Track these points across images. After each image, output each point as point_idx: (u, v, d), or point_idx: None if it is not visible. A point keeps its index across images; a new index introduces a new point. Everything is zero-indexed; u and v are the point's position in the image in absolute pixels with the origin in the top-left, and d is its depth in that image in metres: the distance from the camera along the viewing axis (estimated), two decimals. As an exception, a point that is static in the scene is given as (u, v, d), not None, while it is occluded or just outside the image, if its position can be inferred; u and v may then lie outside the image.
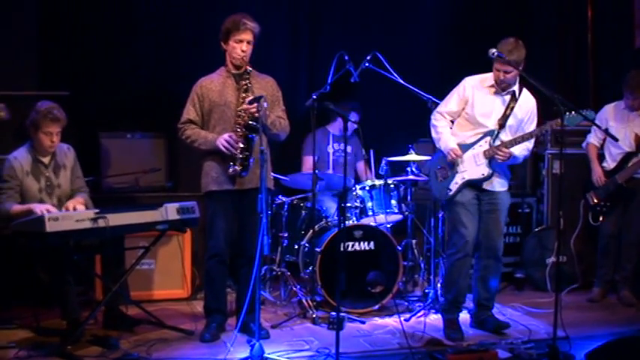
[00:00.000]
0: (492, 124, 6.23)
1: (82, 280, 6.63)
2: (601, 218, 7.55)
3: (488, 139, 6.21)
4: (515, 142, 6.16)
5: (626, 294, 7.50)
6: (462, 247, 6.18)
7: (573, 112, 5.87)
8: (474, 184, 6.26)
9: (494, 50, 5.96)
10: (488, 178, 6.23)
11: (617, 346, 5.52)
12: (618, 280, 7.59)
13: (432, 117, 6.45)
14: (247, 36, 5.99)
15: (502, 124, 6.22)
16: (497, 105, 6.24)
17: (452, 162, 6.24)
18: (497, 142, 6.20)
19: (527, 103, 6.30)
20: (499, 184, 6.33)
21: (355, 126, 5.96)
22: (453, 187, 6.26)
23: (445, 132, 6.34)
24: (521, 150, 6.24)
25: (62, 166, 6.24)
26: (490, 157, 6.18)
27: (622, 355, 5.42)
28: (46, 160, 6.16)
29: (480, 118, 6.24)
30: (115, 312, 6.32)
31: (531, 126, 6.32)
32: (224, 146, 5.85)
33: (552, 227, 8.05)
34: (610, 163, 7.49)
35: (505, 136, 6.23)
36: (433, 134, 6.43)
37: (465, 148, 6.24)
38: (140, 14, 8.07)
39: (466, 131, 6.32)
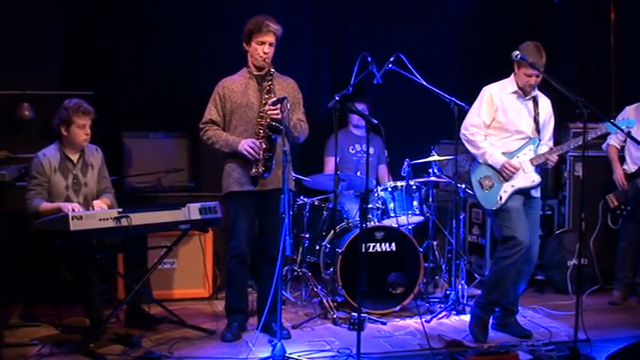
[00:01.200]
0: (529, 130, 6.22)
1: (105, 278, 6.66)
2: (620, 221, 7.54)
3: (531, 146, 6.21)
4: (560, 150, 6.23)
5: (647, 297, 7.49)
6: (517, 252, 6.07)
7: (612, 120, 5.94)
8: (521, 191, 6.24)
9: (517, 52, 5.95)
10: (538, 185, 6.24)
11: (638, 349, 5.50)
12: (638, 283, 7.57)
13: (465, 132, 6.35)
14: (270, 38, 6.01)
15: (538, 131, 6.24)
16: (524, 110, 6.23)
17: (509, 175, 6.19)
18: (541, 149, 6.23)
19: (546, 104, 6.33)
20: (536, 190, 6.34)
21: (375, 121, 5.90)
22: (504, 195, 6.19)
23: (486, 145, 6.26)
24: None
25: (90, 166, 6.30)
26: (537, 165, 6.19)
27: (643, 359, 5.41)
28: (74, 158, 6.22)
29: (515, 126, 6.21)
30: (137, 311, 6.36)
31: (550, 127, 6.37)
32: (247, 151, 5.88)
33: (573, 229, 8.03)
34: (631, 166, 7.47)
35: (542, 140, 6.27)
36: (472, 150, 6.33)
37: (508, 156, 6.21)
38: (163, 15, 8.10)
39: (504, 139, 6.28)
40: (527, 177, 6.19)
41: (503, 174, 6.18)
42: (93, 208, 6.00)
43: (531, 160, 6.18)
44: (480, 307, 6.33)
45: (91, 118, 6.17)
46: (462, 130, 6.38)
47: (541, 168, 6.29)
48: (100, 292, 6.25)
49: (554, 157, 6.20)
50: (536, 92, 6.25)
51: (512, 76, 6.25)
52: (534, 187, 6.24)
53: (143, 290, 6.22)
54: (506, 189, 6.20)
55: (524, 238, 6.08)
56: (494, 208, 6.25)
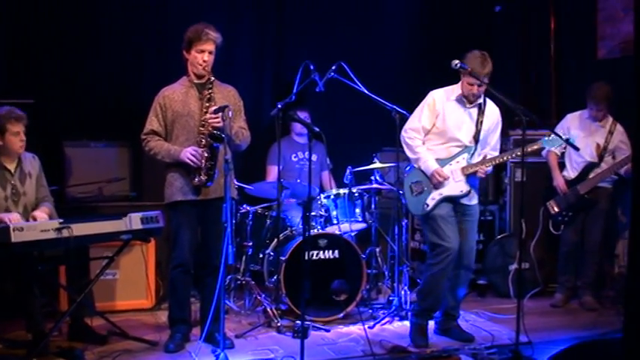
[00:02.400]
0: (466, 138, 6.25)
1: (47, 291, 6.58)
2: (562, 227, 7.64)
3: (465, 155, 6.24)
4: (494, 161, 6.26)
5: (588, 299, 7.59)
6: (445, 258, 6.14)
7: (553, 135, 6.04)
8: (450, 199, 6.28)
9: (457, 61, 6.00)
10: (466, 194, 6.27)
11: (579, 350, 5.57)
12: (580, 286, 7.69)
13: (404, 134, 6.40)
14: (209, 46, 6.00)
15: (477, 140, 6.27)
16: (466, 118, 6.27)
17: (438, 183, 6.23)
18: (476, 158, 6.26)
19: (492, 113, 6.36)
20: (472, 198, 6.37)
21: (317, 129, 5.91)
22: (430, 202, 6.25)
23: (422, 151, 6.30)
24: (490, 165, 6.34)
25: (28, 175, 6.21)
26: (468, 174, 6.23)
27: (584, 359, 5.49)
28: (12, 167, 6.13)
29: (453, 132, 6.25)
30: (80, 323, 6.29)
31: (495, 134, 6.40)
32: (189, 159, 5.86)
33: (514, 234, 8.13)
34: (571, 173, 7.59)
35: (479, 149, 6.30)
36: (409, 153, 6.38)
37: (442, 163, 6.25)
38: (104, 23, 8.04)
39: (440, 145, 6.31)
40: (456, 186, 6.24)
41: (433, 181, 6.23)
42: (34, 219, 5.92)
43: (462, 169, 6.23)
44: (416, 314, 6.40)
45: (24, 124, 6.07)
46: (402, 133, 6.44)
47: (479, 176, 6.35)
48: (42, 305, 6.17)
49: (485, 168, 6.23)
50: (481, 100, 6.28)
51: (459, 83, 6.30)
52: (462, 197, 6.28)
53: (85, 302, 6.16)
54: (434, 196, 6.26)
55: (450, 245, 6.14)
56: (420, 214, 6.32)
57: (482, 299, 7.93)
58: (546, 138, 6.22)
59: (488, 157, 6.28)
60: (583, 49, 8.96)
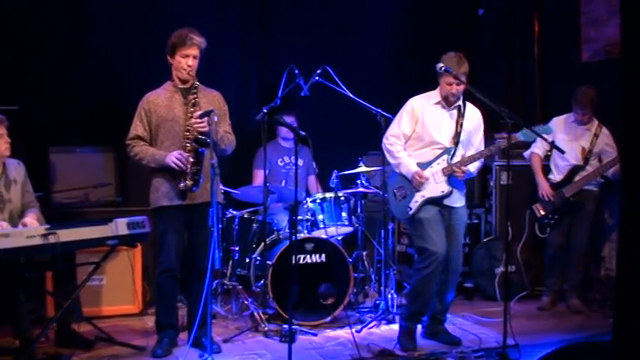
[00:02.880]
0: (446, 141, 6.27)
1: (34, 297, 6.56)
2: (548, 230, 7.67)
3: (445, 157, 6.25)
4: (473, 159, 6.24)
5: (575, 302, 7.60)
6: (433, 262, 6.15)
7: (530, 128, 6.02)
8: (434, 201, 6.29)
9: (442, 65, 6.03)
10: (448, 195, 6.26)
11: (566, 352, 5.55)
12: (567, 288, 7.70)
13: (385, 141, 6.44)
14: (193, 51, 6.00)
15: (456, 141, 6.28)
16: (446, 121, 6.29)
17: (418, 185, 6.25)
18: (455, 159, 6.26)
19: (473, 116, 6.39)
20: (458, 200, 6.38)
21: (303, 133, 5.90)
22: (413, 205, 6.27)
23: (403, 156, 6.33)
24: (475, 165, 6.34)
25: (13, 181, 6.18)
26: (449, 175, 6.23)
27: (571, 362, 5.50)
28: None
29: (432, 136, 6.27)
30: (67, 329, 6.27)
31: (478, 136, 6.42)
32: (175, 164, 5.85)
33: (500, 237, 8.14)
34: (556, 176, 7.60)
35: (459, 151, 6.30)
36: (390, 159, 6.42)
37: (422, 166, 6.26)
38: (90, 29, 8.03)
39: (420, 149, 6.33)
40: (437, 187, 6.25)
41: (414, 183, 6.25)
42: (24, 226, 5.90)
43: (443, 170, 6.24)
44: (405, 318, 6.40)
45: (5, 127, 6.04)
46: (383, 140, 6.47)
47: (467, 178, 6.36)
48: (29, 311, 6.15)
49: (464, 169, 6.21)
50: (460, 102, 6.31)
51: (437, 88, 6.33)
52: (444, 197, 6.28)
53: (72, 308, 6.14)
54: (417, 199, 6.27)
55: (437, 249, 6.15)
56: (405, 218, 6.35)
57: (469, 302, 7.95)
58: (524, 131, 6.21)
59: (464, 157, 6.30)
60: (567, 52, 8.99)
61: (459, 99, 6.28)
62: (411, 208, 6.27)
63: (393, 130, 6.43)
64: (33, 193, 6.38)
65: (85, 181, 7.43)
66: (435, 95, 6.33)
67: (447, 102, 6.27)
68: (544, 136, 6.35)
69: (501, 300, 7.56)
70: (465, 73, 6.15)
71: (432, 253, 6.15)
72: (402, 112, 6.40)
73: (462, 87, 6.17)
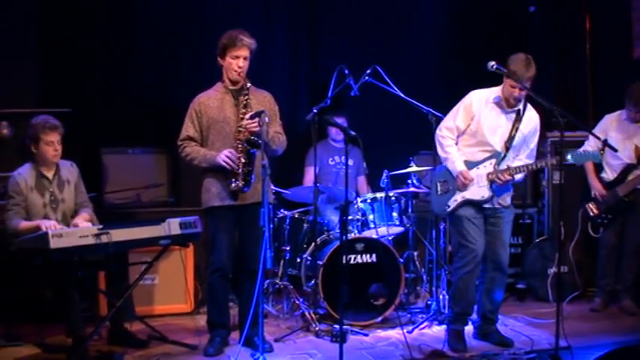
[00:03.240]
0: (498, 144, 6.20)
1: (87, 296, 6.64)
2: (601, 229, 7.58)
3: (493, 161, 6.20)
4: (519, 170, 6.18)
5: (628, 303, 7.51)
6: (471, 260, 6.14)
7: (580, 150, 5.97)
8: (474, 204, 6.25)
9: (493, 63, 5.95)
10: (487, 201, 6.22)
11: (619, 355, 5.51)
12: (620, 289, 7.60)
13: (439, 132, 6.39)
14: (244, 52, 6.02)
15: (508, 146, 6.21)
16: (502, 122, 6.21)
17: (462, 185, 6.21)
18: (503, 165, 6.20)
19: (531, 120, 6.28)
20: (503, 199, 6.32)
21: (353, 133, 5.91)
22: (452, 203, 6.25)
23: (453, 152, 6.29)
24: (519, 174, 6.27)
25: (66, 182, 6.29)
26: (492, 181, 6.19)
27: (625, 364, 5.44)
28: (50, 175, 6.21)
29: (485, 136, 6.21)
30: (120, 328, 6.34)
31: (534, 139, 6.33)
32: (225, 162, 5.87)
33: (553, 238, 8.06)
34: (609, 174, 7.51)
35: (510, 155, 6.24)
36: (440, 152, 6.38)
37: (470, 166, 6.23)
38: (140, 30, 8.11)
39: (471, 147, 6.29)
40: (479, 191, 6.20)
41: (457, 182, 6.22)
42: (75, 226, 5.97)
43: (487, 175, 6.19)
44: (451, 320, 6.38)
45: (59, 133, 6.14)
46: (437, 131, 6.43)
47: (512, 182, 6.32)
48: (82, 310, 6.21)
49: (507, 178, 6.13)
50: (521, 106, 6.21)
51: (502, 85, 6.24)
52: (483, 202, 6.23)
53: (125, 307, 6.20)
54: (457, 198, 6.26)
55: (475, 247, 6.13)
56: (441, 214, 6.38)
57: (521, 303, 7.88)
58: (573, 153, 6.15)
59: (514, 165, 6.22)
60: (618, 48, 8.89)
61: (519, 102, 6.18)
62: (449, 206, 6.26)
63: (447, 122, 6.38)
64: (86, 193, 6.47)
65: (137, 181, 7.50)
66: (495, 93, 6.24)
67: (508, 103, 6.18)
68: (595, 154, 6.27)
69: (554, 301, 7.50)
70: (532, 77, 6.04)
71: (471, 251, 6.13)
72: (459, 105, 6.34)
73: (524, 92, 6.08)
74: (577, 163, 6.39)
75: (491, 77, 6.18)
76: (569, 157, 6.13)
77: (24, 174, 6.15)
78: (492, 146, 6.21)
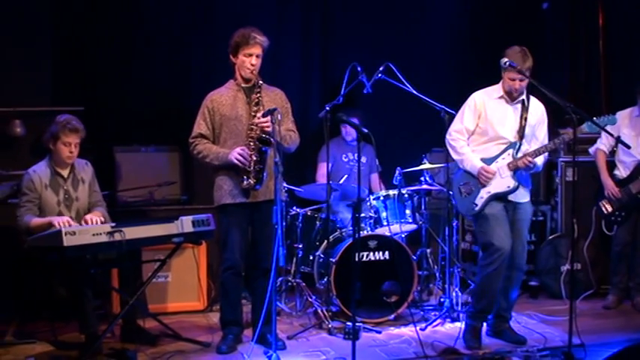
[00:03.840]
0: (510, 135, 6.22)
1: (100, 293, 6.67)
2: (615, 227, 7.55)
3: (510, 151, 6.20)
4: (538, 152, 6.17)
5: (642, 300, 7.50)
6: (498, 258, 6.11)
7: (595, 118, 5.95)
8: (500, 197, 6.25)
9: (506, 60, 5.97)
10: (514, 190, 6.21)
11: (632, 352, 5.49)
12: (633, 287, 7.58)
13: (448, 137, 6.41)
14: (256, 50, 6.02)
15: (521, 135, 6.22)
16: (509, 115, 6.24)
17: (485, 180, 6.21)
18: (520, 154, 6.20)
19: (537, 109, 6.32)
20: (522, 195, 6.32)
21: (365, 131, 5.90)
22: (479, 201, 6.24)
23: (467, 151, 6.30)
24: (540, 159, 6.26)
25: (80, 180, 6.31)
26: (514, 169, 6.18)
27: (638, 362, 5.42)
28: (64, 173, 6.23)
29: (496, 130, 6.22)
30: (133, 325, 6.35)
31: (542, 128, 6.36)
32: (237, 160, 5.88)
33: (566, 235, 8.03)
34: (622, 172, 7.47)
35: (524, 146, 6.24)
36: (454, 155, 6.39)
37: (487, 162, 6.23)
38: (152, 29, 8.12)
39: (484, 144, 6.30)
40: (504, 182, 6.20)
41: (480, 179, 6.20)
42: (86, 223, 5.99)
43: (508, 165, 6.19)
44: (471, 316, 6.37)
45: (79, 137, 6.17)
46: (447, 136, 6.45)
47: (531, 173, 6.30)
48: (95, 308, 6.24)
49: (530, 160, 6.12)
50: (524, 96, 6.25)
51: (500, 82, 6.28)
52: (510, 192, 6.22)
53: (138, 304, 6.22)
54: (483, 195, 6.24)
55: (502, 245, 6.10)
56: (471, 214, 6.33)
57: (534, 301, 7.86)
58: (589, 123, 6.12)
59: (532, 149, 6.22)
60: (633, 44, 8.86)
61: (522, 94, 6.23)
62: (477, 205, 6.24)
63: (455, 125, 6.40)
64: (100, 192, 6.49)
65: (150, 179, 7.50)
66: (497, 89, 6.28)
67: (510, 97, 6.22)
68: (609, 129, 6.23)
69: (567, 298, 7.46)
70: (530, 68, 6.08)
71: (498, 249, 6.10)
72: (464, 108, 6.37)
73: (525, 82, 6.10)
74: (592, 131, 6.33)
75: (500, 75, 6.19)
76: (586, 127, 6.10)
77: (39, 171, 6.17)
78: (505, 138, 6.22)
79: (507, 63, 5.97)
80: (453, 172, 6.62)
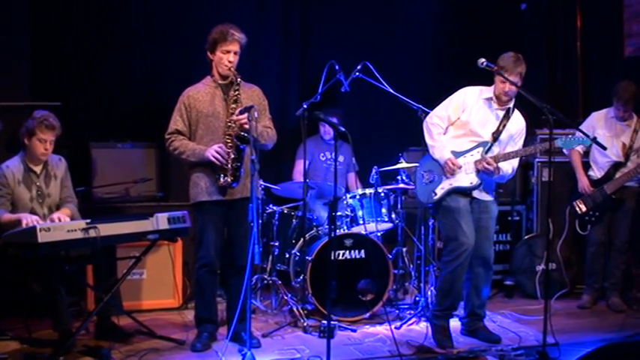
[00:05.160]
0: (486, 135, 6.24)
1: (75, 290, 6.63)
2: (589, 227, 7.59)
3: (480, 149, 6.22)
4: (508, 156, 6.19)
5: (616, 300, 7.53)
6: (462, 254, 6.12)
7: (570, 136, 6.02)
8: (462, 192, 6.27)
9: (483, 60, 5.97)
10: (476, 187, 6.23)
11: (606, 352, 5.51)
12: (607, 286, 7.63)
13: (428, 119, 6.40)
14: (234, 47, 6.01)
15: (496, 137, 6.23)
16: (491, 119, 6.26)
17: (450, 172, 6.22)
18: (490, 154, 6.22)
19: (518, 122, 6.35)
20: (487, 194, 6.36)
21: (342, 129, 5.90)
22: (439, 191, 6.26)
23: (441, 140, 6.31)
24: (507, 167, 6.27)
25: (53, 176, 6.29)
26: (481, 169, 6.18)
27: (612, 362, 5.45)
28: (37, 169, 6.21)
29: (474, 128, 6.24)
30: (107, 322, 6.33)
31: (519, 143, 6.37)
32: (215, 157, 5.86)
33: (542, 235, 8.07)
34: (597, 172, 7.52)
35: (496, 149, 6.26)
36: (427, 139, 6.39)
37: (456, 155, 6.24)
38: (129, 25, 8.08)
39: (458, 138, 6.31)
40: (467, 177, 6.22)
41: (445, 169, 6.22)
42: (52, 221, 5.94)
43: (475, 162, 6.20)
44: (437, 315, 6.37)
45: (55, 134, 6.16)
46: (427, 118, 6.45)
47: (496, 181, 6.36)
48: (70, 304, 6.21)
49: (493, 165, 6.12)
50: (511, 105, 6.26)
51: (493, 85, 6.28)
52: (472, 189, 6.25)
53: (113, 301, 6.19)
54: (444, 186, 6.27)
55: (466, 240, 6.12)
56: (428, 202, 6.36)
57: (509, 300, 7.90)
58: (563, 138, 6.17)
59: (500, 153, 6.24)
60: (610, 47, 8.92)
61: (511, 100, 6.24)
62: (435, 194, 6.27)
63: (439, 111, 6.40)
64: (72, 188, 6.47)
65: (126, 176, 7.47)
66: (487, 91, 6.29)
67: (499, 101, 6.23)
68: (584, 138, 6.26)
69: (542, 298, 7.53)
70: (521, 73, 6.11)
71: (462, 244, 6.12)
72: (452, 97, 6.38)
73: (515, 88, 6.11)
74: (566, 148, 6.39)
75: (481, 75, 6.20)
76: (559, 142, 6.12)
77: (12, 167, 6.15)
78: (481, 136, 6.25)
79: (484, 63, 5.97)
80: (420, 157, 6.63)
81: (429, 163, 6.40)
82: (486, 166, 6.13)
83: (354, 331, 6.64)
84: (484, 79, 6.29)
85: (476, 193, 6.29)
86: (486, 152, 6.22)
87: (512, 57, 6.12)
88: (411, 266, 7.73)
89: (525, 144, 6.43)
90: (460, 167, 6.20)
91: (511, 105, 6.27)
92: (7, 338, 6.31)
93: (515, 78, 6.07)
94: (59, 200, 6.33)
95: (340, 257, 6.91)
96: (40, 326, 6.42)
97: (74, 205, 6.37)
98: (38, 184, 6.20)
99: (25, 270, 6.03)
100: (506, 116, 6.27)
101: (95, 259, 6.18)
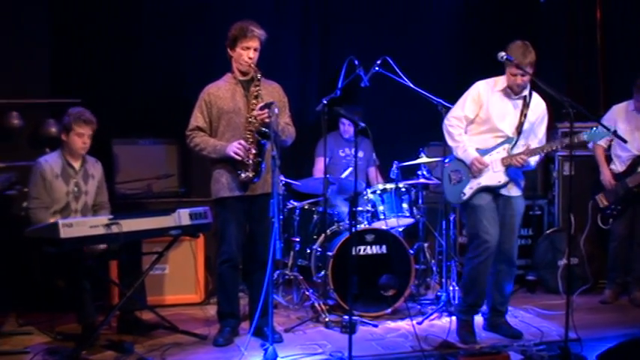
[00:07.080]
0: (508, 129, 6.20)
1: (99, 285, 6.66)
2: (611, 221, 7.55)
3: (506, 146, 6.18)
4: (534, 152, 6.15)
5: (638, 295, 7.50)
6: (484, 251, 6.11)
7: (594, 128, 5.96)
8: (489, 189, 6.25)
9: (503, 53, 5.93)
10: (504, 185, 6.21)
11: (629, 347, 5.51)
12: (630, 281, 7.59)
13: (447, 122, 6.37)
14: (254, 43, 6.01)
15: (519, 131, 6.20)
16: (510, 109, 6.21)
17: (477, 171, 6.20)
18: (516, 150, 6.19)
19: (538, 107, 6.28)
20: (514, 190, 6.31)
21: (362, 125, 5.89)
22: (468, 191, 6.24)
23: (464, 139, 6.28)
24: (535, 158, 6.25)
25: (91, 176, 6.38)
26: (507, 165, 6.17)
27: (634, 356, 5.43)
28: (76, 165, 6.29)
29: (495, 123, 6.20)
30: (130, 317, 6.37)
31: (542, 127, 6.33)
32: (236, 153, 5.88)
33: (563, 229, 8.05)
34: (618, 166, 7.49)
35: (521, 142, 6.23)
36: (449, 141, 6.36)
37: (481, 153, 6.22)
38: (149, 21, 8.13)
39: (481, 135, 6.28)
40: (495, 176, 6.19)
41: (472, 169, 6.20)
42: None
43: (502, 160, 6.17)
44: (461, 310, 6.37)
45: (92, 129, 6.24)
46: (445, 121, 6.41)
47: (523, 170, 6.31)
48: (94, 299, 6.24)
49: (524, 157, 6.11)
50: (527, 92, 6.22)
51: (504, 75, 6.24)
52: (500, 187, 6.23)
53: (137, 296, 6.23)
54: (472, 185, 6.23)
55: (489, 237, 6.10)
56: (458, 202, 6.34)
57: (531, 295, 7.88)
58: (588, 131, 6.13)
59: (526, 149, 6.22)
60: (631, 38, 8.86)
61: (524, 89, 6.19)
62: (464, 194, 6.24)
63: (455, 112, 6.36)
64: (107, 195, 6.52)
65: (148, 172, 7.51)
66: (501, 82, 6.23)
67: (513, 91, 6.18)
68: (605, 124, 6.22)
69: (564, 293, 7.49)
70: (531, 63, 6.03)
71: (485, 241, 6.10)
72: (466, 95, 6.33)
73: (527, 78, 6.07)
74: (591, 140, 6.36)
75: (501, 67, 6.17)
76: (584, 135, 6.08)
77: (50, 161, 6.22)
78: (504, 132, 6.21)
79: (504, 57, 5.93)
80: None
81: (454, 163, 6.37)
82: (515, 163, 6.12)
83: (376, 326, 6.64)
84: (504, 72, 6.25)
85: (503, 190, 6.26)
86: (513, 148, 6.19)
87: (520, 47, 6.04)
88: (433, 261, 7.72)
89: (546, 137, 6.39)
90: (487, 165, 6.18)
91: (526, 92, 6.23)
92: (31, 332, 6.38)
93: (527, 68, 6.01)
94: (94, 203, 6.40)
95: (361, 252, 6.91)
96: (64, 320, 6.45)
97: (108, 212, 6.41)
98: (76, 180, 6.26)
99: (49, 264, 6.07)
100: (525, 105, 6.22)
101: (119, 255, 6.22)
